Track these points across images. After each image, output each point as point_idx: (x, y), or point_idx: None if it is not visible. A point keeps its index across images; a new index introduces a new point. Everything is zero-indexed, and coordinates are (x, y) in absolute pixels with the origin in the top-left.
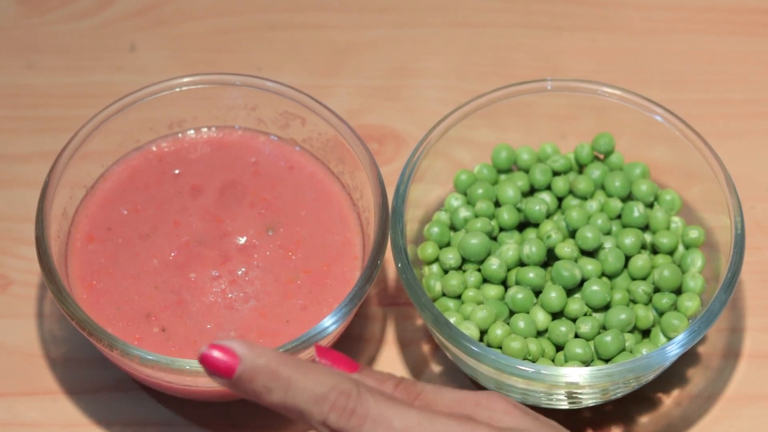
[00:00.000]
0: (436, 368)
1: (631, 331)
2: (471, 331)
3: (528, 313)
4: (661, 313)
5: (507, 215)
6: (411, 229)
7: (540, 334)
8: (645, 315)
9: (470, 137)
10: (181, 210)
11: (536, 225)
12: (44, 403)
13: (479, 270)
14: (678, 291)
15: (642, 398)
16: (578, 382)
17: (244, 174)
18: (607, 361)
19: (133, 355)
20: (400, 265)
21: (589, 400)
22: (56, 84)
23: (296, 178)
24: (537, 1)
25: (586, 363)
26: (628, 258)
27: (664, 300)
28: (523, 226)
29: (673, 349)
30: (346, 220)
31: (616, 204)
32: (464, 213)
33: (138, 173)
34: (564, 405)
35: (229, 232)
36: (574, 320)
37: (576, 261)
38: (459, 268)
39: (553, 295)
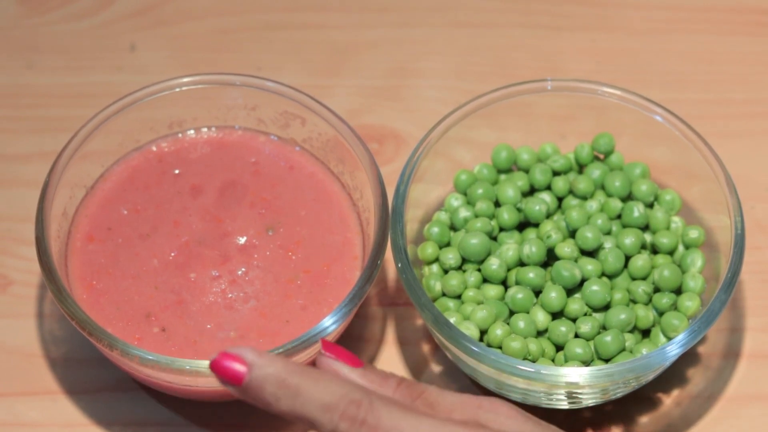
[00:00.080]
0: (436, 368)
1: (631, 331)
2: (471, 331)
3: (528, 313)
4: (661, 313)
5: (507, 215)
6: (411, 229)
7: (540, 334)
8: (645, 315)
9: (470, 137)
10: (181, 210)
11: (536, 225)
12: (44, 403)
13: (479, 270)
14: (678, 291)
15: (642, 398)
16: (578, 382)
17: (244, 174)
18: (607, 361)
19: (133, 355)
20: (400, 265)
21: (589, 400)
22: (56, 84)
23: (296, 178)
24: (537, 1)
25: (586, 363)
26: (628, 258)
27: (664, 300)
28: (523, 226)
29: (673, 349)
30: (346, 220)
31: (616, 204)
32: (464, 213)
33: (138, 173)
34: (564, 405)
35: (229, 232)
36: (574, 320)
37: (576, 261)
38: (459, 268)
39: (553, 295)
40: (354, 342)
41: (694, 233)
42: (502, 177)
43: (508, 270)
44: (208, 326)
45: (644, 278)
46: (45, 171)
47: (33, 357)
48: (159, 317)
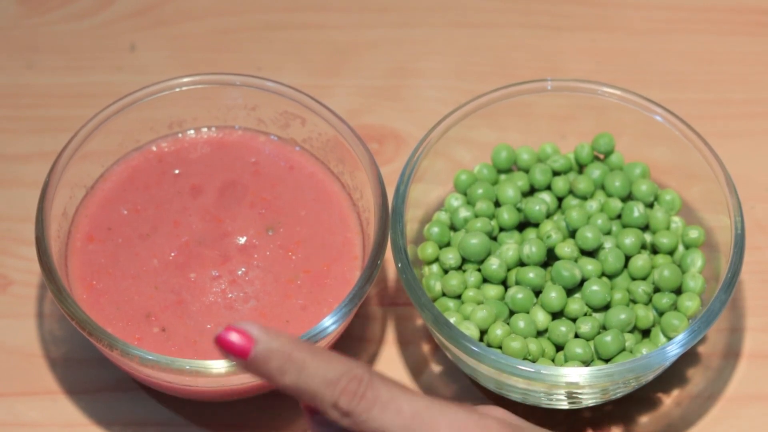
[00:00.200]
0: (436, 368)
1: (631, 331)
2: (471, 331)
3: (528, 313)
4: (661, 313)
5: (507, 215)
6: (411, 229)
7: (540, 334)
8: (645, 315)
9: (470, 137)
10: (181, 210)
11: (536, 225)
12: (44, 403)
13: (479, 270)
14: (678, 291)
15: (642, 398)
16: (578, 382)
17: (244, 174)
18: (607, 361)
19: (133, 355)
20: (400, 265)
21: (589, 400)
22: (56, 84)
23: (296, 178)
24: (537, 1)
25: (586, 363)
26: (628, 258)
27: (664, 300)
28: (523, 226)
29: (673, 349)
30: (346, 220)
31: (616, 204)
32: (464, 213)
33: (138, 173)
34: (564, 405)
35: (229, 232)
36: (574, 320)
37: (576, 261)
38: (459, 268)
39: (553, 295)
40: (354, 342)
41: (694, 233)
42: (502, 177)
43: (508, 270)
44: (208, 326)
45: (644, 278)
46: (45, 171)
47: (33, 357)
48: (159, 317)
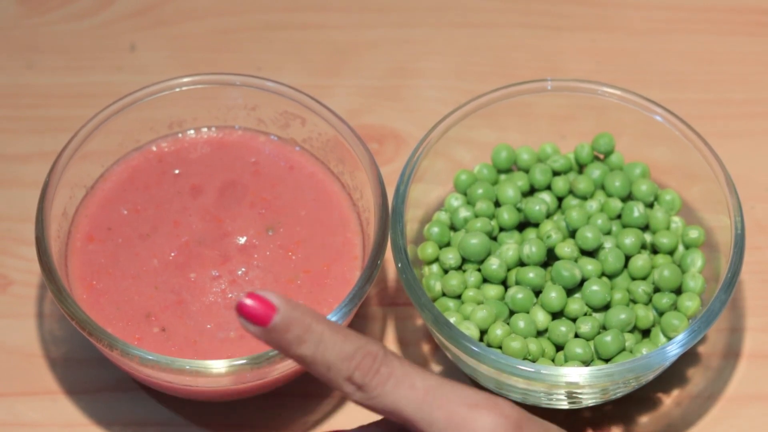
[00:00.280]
0: (436, 368)
1: (631, 331)
2: (471, 331)
3: (528, 313)
4: (661, 313)
5: (507, 215)
6: (411, 229)
7: (540, 334)
8: (645, 315)
9: (470, 137)
10: (181, 210)
11: (536, 225)
12: (44, 403)
13: (479, 270)
14: (678, 291)
15: (642, 398)
16: (578, 382)
17: (244, 174)
18: (607, 361)
19: (133, 355)
20: (400, 265)
21: (589, 400)
22: (56, 84)
23: (296, 178)
24: (537, 1)
25: (586, 363)
26: (628, 258)
27: (664, 300)
28: (523, 226)
29: (673, 349)
30: (346, 220)
31: (616, 204)
32: (464, 213)
33: (138, 173)
34: (564, 405)
35: (229, 232)
36: (574, 320)
37: (576, 261)
38: (459, 268)
39: (553, 295)
40: None
41: (694, 233)
42: (502, 177)
43: (508, 270)
44: (208, 326)
45: (644, 278)
46: (45, 171)
47: (33, 357)
48: (159, 317)
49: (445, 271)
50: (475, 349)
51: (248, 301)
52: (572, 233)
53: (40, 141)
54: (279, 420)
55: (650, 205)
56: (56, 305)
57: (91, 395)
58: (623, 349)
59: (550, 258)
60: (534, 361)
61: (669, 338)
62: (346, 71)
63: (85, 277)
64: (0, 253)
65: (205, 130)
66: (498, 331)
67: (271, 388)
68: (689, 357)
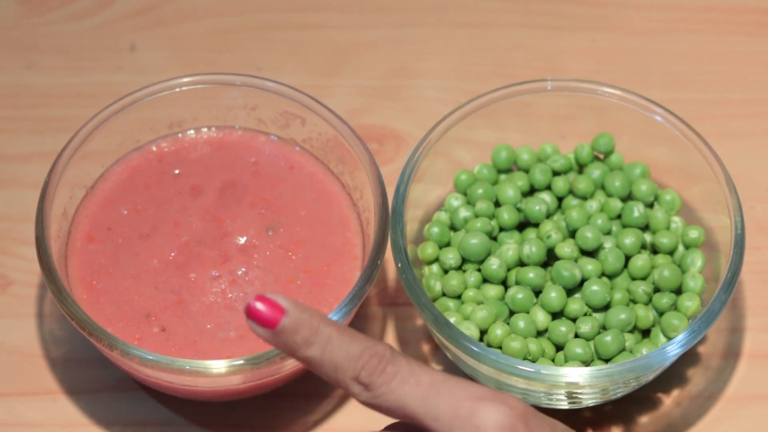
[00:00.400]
0: (436, 368)
1: (631, 331)
2: (471, 331)
3: (528, 313)
4: (661, 313)
5: (507, 215)
6: (411, 229)
7: (540, 334)
8: (645, 315)
9: (470, 137)
10: (181, 210)
11: (536, 225)
12: (44, 403)
13: (479, 270)
14: (678, 291)
15: (642, 398)
16: (578, 382)
17: (244, 174)
18: (607, 361)
19: (133, 355)
20: (400, 265)
21: (589, 400)
22: (56, 84)
23: (296, 178)
24: (537, 1)
25: (586, 363)
26: (628, 258)
27: (664, 300)
28: (523, 226)
29: (673, 349)
30: (346, 220)
31: (616, 204)
32: (464, 213)
33: (138, 173)
34: (564, 405)
35: (229, 232)
36: (574, 320)
37: (576, 261)
38: (459, 268)
39: (553, 295)
40: None
41: (694, 233)
42: (502, 177)
43: (508, 270)
44: (208, 326)
45: (644, 278)
46: (45, 171)
47: (33, 357)
48: (159, 317)
49: (445, 271)
50: (475, 349)
51: (257, 304)
52: (572, 233)
53: (40, 141)
54: (279, 420)
55: (650, 205)
56: (56, 305)
57: (91, 395)
58: (623, 349)
59: (550, 258)
60: (534, 361)
61: (669, 338)
62: (346, 71)
63: (85, 277)
64: (0, 253)
65: (205, 130)
66: (498, 331)
67: (271, 388)
68: (689, 357)
